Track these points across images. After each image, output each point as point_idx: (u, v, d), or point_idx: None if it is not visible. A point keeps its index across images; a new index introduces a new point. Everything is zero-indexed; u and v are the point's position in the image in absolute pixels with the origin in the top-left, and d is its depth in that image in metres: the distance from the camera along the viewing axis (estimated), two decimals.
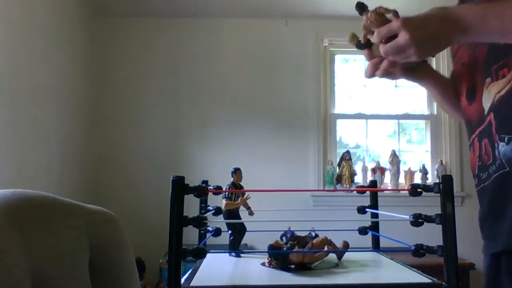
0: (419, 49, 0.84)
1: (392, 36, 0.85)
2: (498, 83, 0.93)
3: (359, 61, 3.58)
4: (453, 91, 1.13)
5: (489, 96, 0.95)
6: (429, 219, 0.76)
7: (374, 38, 0.89)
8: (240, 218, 0.98)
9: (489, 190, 0.95)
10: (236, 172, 0.99)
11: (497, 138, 0.91)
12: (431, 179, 3.32)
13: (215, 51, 3.37)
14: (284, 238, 0.92)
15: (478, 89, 0.99)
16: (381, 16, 0.88)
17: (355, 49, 1.01)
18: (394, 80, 1.07)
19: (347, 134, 3.54)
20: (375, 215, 1.06)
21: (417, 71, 1.07)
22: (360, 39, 0.96)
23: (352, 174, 3.27)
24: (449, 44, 0.89)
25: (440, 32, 0.84)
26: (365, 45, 0.96)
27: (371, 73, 0.97)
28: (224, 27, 3.39)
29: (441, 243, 0.72)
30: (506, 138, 0.89)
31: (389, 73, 0.97)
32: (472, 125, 1.01)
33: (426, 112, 3.51)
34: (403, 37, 0.83)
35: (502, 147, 0.90)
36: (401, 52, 0.85)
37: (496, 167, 0.92)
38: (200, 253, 0.71)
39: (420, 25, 0.83)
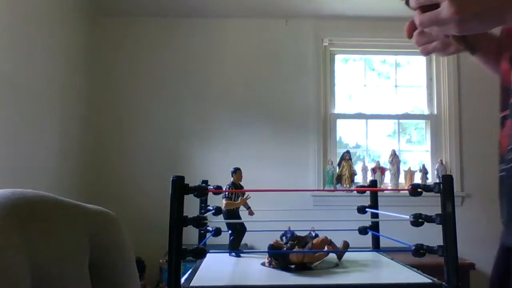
0: (461, 26, 0.70)
1: (433, 5, 0.71)
2: None
3: (359, 61, 3.58)
4: (498, 53, 0.97)
5: None
6: (429, 219, 0.76)
7: (411, 2, 0.74)
8: (240, 218, 0.98)
9: (507, 177, 0.85)
10: (236, 172, 0.99)
11: None
12: (431, 179, 3.32)
13: (215, 51, 3.37)
14: (284, 238, 0.92)
15: None
16: None
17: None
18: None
19: (347, 134, 3.54)
20: (375, 215, 1.06)
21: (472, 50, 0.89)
22: None
23: (352, 174, 3.27)
24: (500, 24, 0.74)
25: (493, 8, 0.69)
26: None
27: (420, 45, 0.84)
28: (224, 27, 3.39)
29: (441, 243, 0.72)
30: None
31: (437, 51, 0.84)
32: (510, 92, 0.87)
33: (426, 112, 3.51)
34: (447, 10, 0.69)
35: None
36: (439, 26, 0.72)
37: None
38: (200, 253, 0.71)
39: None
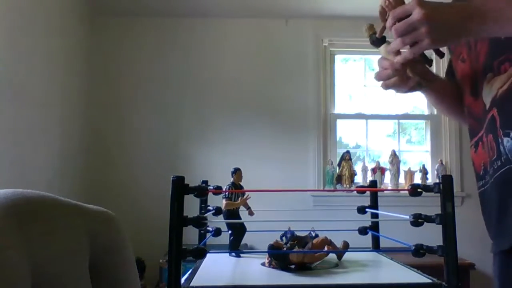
0: (432, 30, 0.79)
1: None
2: (500, 78, 0.91)
3: (359, 61, 3.58)
4: (451, 93, 1.12)
5: (490, 91, 0.93)
6: (429, 219, 0.76)
7: (388, 21, 0.84)
8: (240, 218, 0.98)
9: (494, 186, 0.94)
10: (236, 172, 0.99)
11: (501, 133, 0.90)
12: (431, 179, 3.32)
13: (215, 51, 3.37)
14: (284, 238, 0.92)
15: (479, 84, 0.97)
16: (400, 1, 0.85)
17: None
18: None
19: (347, 134, 3.54)
20: (375, 215, 1.06)
21: (426, 87, 1.03)
22: (376, 31, 0.91)
23: (352, 174, 3.27)
24: (465, 33, 0.84)
25: (457, 18, 0.80)
26: (378, 40, 0.91)
27: (380, 80, 0.95)
28: (224, 27, 3.39)
29: (441, 243, 0.72)
30: (511, 133, 0.88)
31: (397, 87, 0.95)
32: (481, 119, 0.99)
33: (426, 112, 3.51)
34: (417, 13, 0.78)
35: (507, 142, 0.89)
36: (412, 31, 0.80)
37: (501, 162, 0.91)
38: (200, 253, 0.71)
39: (437, 7, 0.79)
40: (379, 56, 0.95)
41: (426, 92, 1.14)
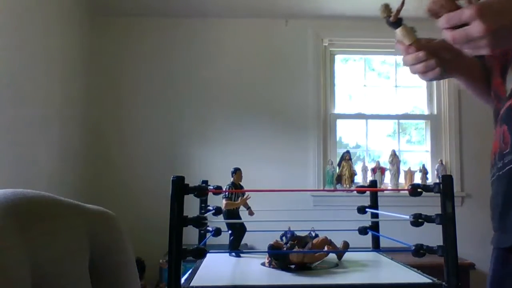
0: (493, 42, 0.74)
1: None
2: None
3: (359, 61, 3.58)
4: (480, 75, 1.06)
5: None
6: (429, 219, 0.76)
7: (441, 23, 0.78)
8: (240, 218, 0.98)
9: (503, 180, 0.90)
10: (236, 172, 0.99)
11: None
12: (431, 179, 3.32)
13: (215, 51, 3.37)
14: (284, 238, 0.92)
15: (508, 68, 0.93)
16: (452, 1, 0.79)
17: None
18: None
19: (347, 134, 3.54)
20: (375, 215, 1.06)
21: (449, 76, 1.01)
22: (391, 14, 0.86)
23: (352, 174, 3.27)
24: None
25: None
26: (393, 23, 0.87)
27: (409, 65, 0.92)
28: (224, 27, 3.39)
29: (441, 243, 0.72)
30: None
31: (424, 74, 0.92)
32: (502, 105, 0.93)
33: (426, 112, 3.51)
34: (477, 27, 0.73)
35: None
36: (471, 42, 0.75)
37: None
38: (200, 253, 0.71)
39: (497, 12, 0.73)
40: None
41: (454, 76, 1.09)
